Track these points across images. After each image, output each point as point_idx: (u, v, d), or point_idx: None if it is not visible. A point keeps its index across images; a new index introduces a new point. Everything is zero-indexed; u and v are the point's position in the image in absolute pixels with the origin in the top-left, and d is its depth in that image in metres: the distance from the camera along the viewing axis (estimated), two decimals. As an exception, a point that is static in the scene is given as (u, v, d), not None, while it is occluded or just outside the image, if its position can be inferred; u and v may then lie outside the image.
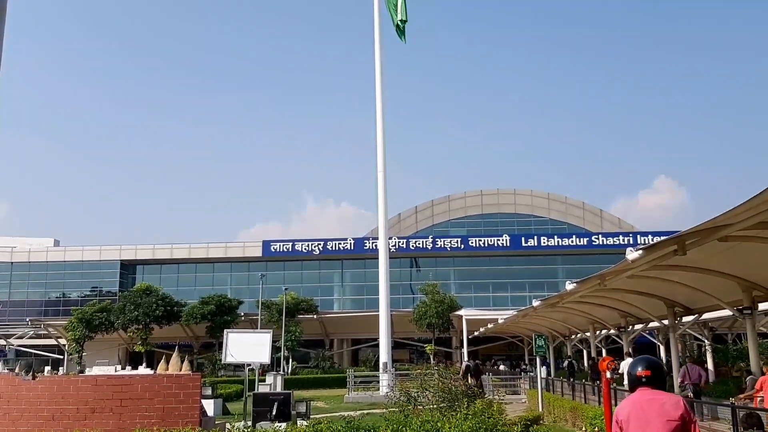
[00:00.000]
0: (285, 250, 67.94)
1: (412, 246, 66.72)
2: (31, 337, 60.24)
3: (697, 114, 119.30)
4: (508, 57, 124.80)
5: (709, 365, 23.64)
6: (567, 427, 18.05)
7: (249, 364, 20.40)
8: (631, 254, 10.92)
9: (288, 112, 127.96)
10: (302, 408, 16.44)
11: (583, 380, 23.91)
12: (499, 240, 66.22)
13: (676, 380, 16.63)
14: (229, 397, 29.36)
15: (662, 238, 10.55)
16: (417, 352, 60.93)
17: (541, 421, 17.09)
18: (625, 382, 5.00)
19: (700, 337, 29.88)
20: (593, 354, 28.48)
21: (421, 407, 14.22)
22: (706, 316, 20.53)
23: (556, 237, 66.40)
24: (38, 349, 61.13)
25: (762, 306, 15.45)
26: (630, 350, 22.60)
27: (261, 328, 43.66)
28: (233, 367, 41.59)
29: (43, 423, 12.17)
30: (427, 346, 53.45)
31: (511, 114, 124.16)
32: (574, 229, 69.64)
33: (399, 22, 13.67)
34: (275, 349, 43.49)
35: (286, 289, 54.05)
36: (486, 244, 66.26)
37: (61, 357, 58.23)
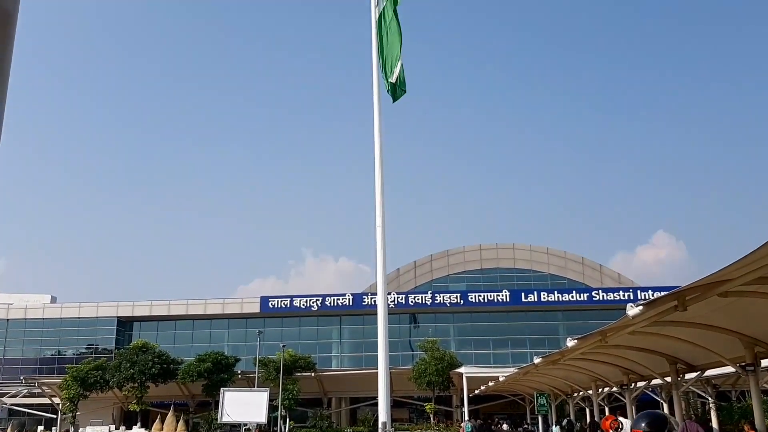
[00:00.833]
0: (283, 306, 67.53)
1: (411, 301, 66.34)
2: (24, 396, 59.27)
3: (696, 169, 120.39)
4: (506, 112, 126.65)
5: (714, 424, 23.22)
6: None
7: (245, 424, 20.03)
8: (632, 310, 10.85)
9: (287, 168, 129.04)
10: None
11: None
12: (498, 295, 65.91)
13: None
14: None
15: (662, 293, 10.50)
16: (416, 411, 59.91)
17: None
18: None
19: (703, 394, 29.47)
20: (596, 413, 28.00)
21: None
22: (709, 372, 20.28)
23: (556, 292, 66.13)
24: (32, 408, 60.07)
25: (765, 362, 15.26)
26: (633, 409, 22.25)
27: (258, 387, 43.00)
28: (230, 426, 40.79)
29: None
30: (427, 405, 52.55)
31: (509, 169, 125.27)
32: (574, 284, 69.45)
33: (390, 83, 13.88)
34: (272, 408, 42.85)
35: (283, 346, 53.48)
36: (486, 300, 65.91)
37: (55, 416, 57.15)
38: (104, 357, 58.91)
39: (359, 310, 65.33)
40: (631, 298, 59.68)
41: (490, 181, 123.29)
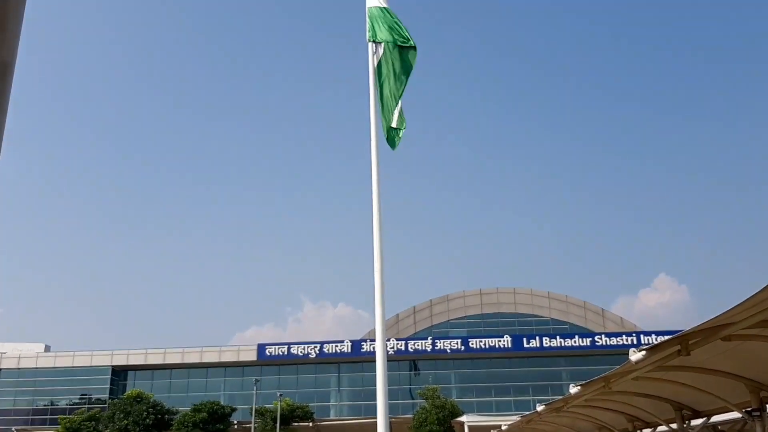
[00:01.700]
0: (280, 353, 66.75)
1: (411, 348, 65.61)
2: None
3: (695, 211, 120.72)
4: (507, 154, 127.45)
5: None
6: None
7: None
8: (634, 355, 10.65)
9: (284, 214, 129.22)
10: None
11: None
12: (500, 341, 65.27)
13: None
14: None
15: (665, 337, 10.34)
16: (418, 461, 58.67)
17: None
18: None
19: (710, 441, 28.86)
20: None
21: None
22: (715, 418, 19.86)
23: (558, 337, 65.54)
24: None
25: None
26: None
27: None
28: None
29: None
30: (428, 454, 51.54)
31: (509, 212, 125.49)
32: (576, 329, 68.88)
33: (390, 128, 13.91)
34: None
35: (280, 395, 52.71)
36: (487, 346, 65.23)
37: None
38: (98, 407, 57.96)
39: (358, 357, 64.56)
40: (635, 342, 59.17)
41: (490, 224, 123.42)
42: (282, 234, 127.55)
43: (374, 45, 14.31)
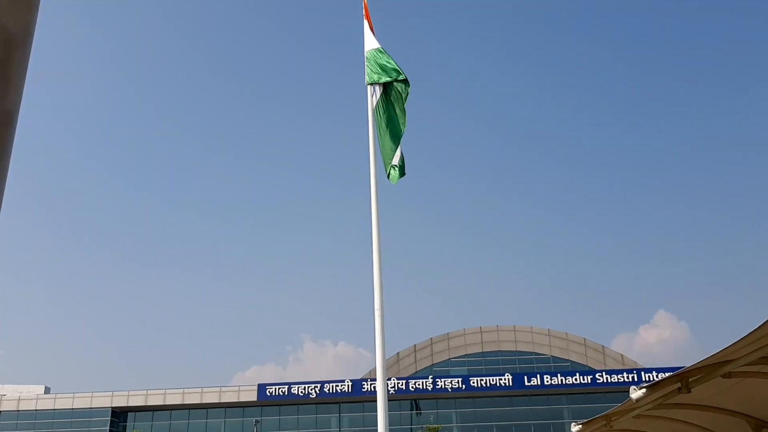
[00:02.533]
0: (281, 393, 66.12)
1: (412, 387, 65.00)
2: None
3: (695, 247, 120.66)
4: (505, 191, 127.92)
5: None
6: None
7: None
8: (635, 393, 10.61)
9: (284, 252, 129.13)
10: None
11: None
12: (501, 379, 64.72)
13: None
14: None
15: (666, 374, 10.30)
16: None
17: None
18: None
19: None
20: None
21: None
22: (719, 457, 19.63)
23: (559, 375, 65.02)
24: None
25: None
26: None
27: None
28: None
29: None
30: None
31: (508, 249, 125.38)
32: (577, 366, 68.39)
33: (392, 166, 14.05)
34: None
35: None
36: (488, 384, 64.67)
37: None
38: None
39: (359, 396, 63.96)
40: (635, 379, 58.71)
41: (489, 262, 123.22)
42: (283, 273, 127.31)
43: (372, 87, 14.59)
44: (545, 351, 70.83)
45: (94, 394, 69.12)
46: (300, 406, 66.51)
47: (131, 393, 68.79)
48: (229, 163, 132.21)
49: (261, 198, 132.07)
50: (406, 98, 14.41)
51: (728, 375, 9.53)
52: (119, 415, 68.95)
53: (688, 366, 9.71)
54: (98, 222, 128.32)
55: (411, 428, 63.39)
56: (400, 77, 14.42)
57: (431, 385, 65.02)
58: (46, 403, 69.17)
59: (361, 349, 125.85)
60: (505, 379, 64.70)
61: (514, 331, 72.33)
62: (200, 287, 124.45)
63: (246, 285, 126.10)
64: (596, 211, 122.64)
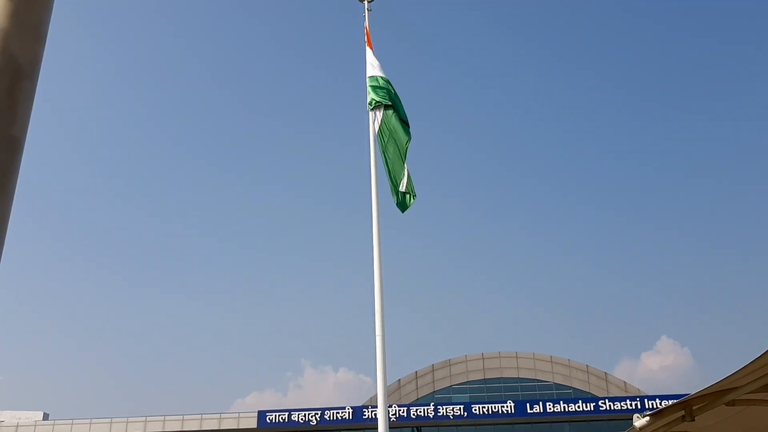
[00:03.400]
0: (281, 420, 65.51)
1: (413, 414, 64.38)
2: None
3: (697, 273, 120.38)
4: (507, 217, 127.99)
5: None
6: None
7: None
8: (638, 421, 10.54)
9: (284, 278, 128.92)
10: None
11: None
12: (503, 406, 64.13)
13: None
14: None
15: (669, 402, 10.23)
16: None
17: None
18: None
19: None
20: None
21: None
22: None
23: (561, 402, 64.40)
24: None
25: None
26: None
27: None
28: None
29: None
30: None
31: (511, 275, 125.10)
32: (580, 393, 67.87)
33: (399, 192, 14.09)
34: None
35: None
36: (490, 411, 64.07)
37: None
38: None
39: (360, 424, 63.33)
40: (639, 407, 58.10)
41: (491, 288, 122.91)
42: (283, 297, 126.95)
43: (374, 113, 14.72)
44: (548, 378, 70.35)
45: (93, 420, 68.56)
46: (300, 433, 65.91)
47: (130, 420, 68.18)
48: (231, 183, 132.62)
49: (262, 221, 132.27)
50: (406, 122, 14.53)
51: (732, 403, 9.48)
52: (118, 442, 68.26)
53: (692, 394, 9.66)
54: (97, 244, 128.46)
55: (412, 456, 62.76)
56: (399, 105, 14.57)
57: (433, 413, 64.43)
58: (45, 430, 68.58)
59: (362, 375, 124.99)
60: (507, 407, 64.11)
61: (517, 357, 71.90)
62: (198, 312, 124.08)
63: (245, 310, 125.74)
64: (599, 236, 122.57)
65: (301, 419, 65.31)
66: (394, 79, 14.88)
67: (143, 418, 68.15)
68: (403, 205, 14.17)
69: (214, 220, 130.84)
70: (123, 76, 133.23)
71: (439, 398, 68.43)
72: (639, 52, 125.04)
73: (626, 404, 61.93)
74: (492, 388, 69.72)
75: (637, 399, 62.90)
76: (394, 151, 14.33)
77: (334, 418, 65.14)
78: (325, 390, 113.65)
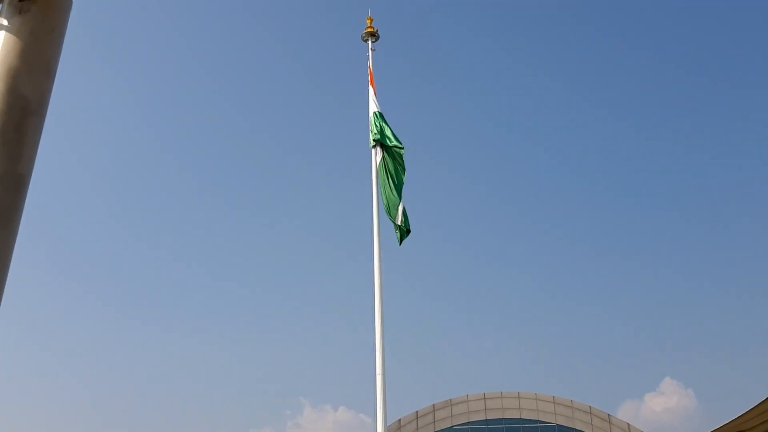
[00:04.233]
0: (279, 461, 64.47)
1: (414, 455, 63.38)
2: None
3: (701, 316, 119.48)
4: (509, 259, 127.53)
5: None
6: None
7: None
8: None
9: (284, 315, 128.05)
10: None
11: None
12: (505, 449, 63.16)
13: None
14: None
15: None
16: None
17: None
18: None
19: None
20: None
21: None
22: None
23: (564, 445, 63.46)
24: None
25: None
26: None
27: None
28: None
29: None
30: None
31: (512, 314, 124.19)
32: (583, 435, 66.74)
33: (397, 225, 14.22)
34: None
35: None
36: (492, 454, 63.07)
37: None
38: None
39: (359, 464, 62.26)
40: (644, 450, 57.10)
41: (493, 327, 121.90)
42: (282, 335, 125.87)
43: (375, 150, 14.86)
44: (550, 419, 69.27)
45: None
46: (298, 474, 64.75)
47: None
48: (227, 215, 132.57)
49: (261, 259, 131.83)
50: (402, 161, 14.69)
51: (739, 446, 9.33)
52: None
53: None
54: (95, 280, 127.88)
55: (412, 499, 61.50)
56: (399, 145, 14.74)
57: (433, 454, 63.41)
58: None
59: (362, 414, 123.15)
60: (509, 449, 63.14)
61: (519, 398, 70.93)
62: (195, 350, 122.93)
63: (243, 348, 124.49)
64: (601, 276, 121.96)
65: (300, 460, 64.26)
66: (396, 114, 15.03)
67: (139, 457, 67.01)
68: (400, 238, 14.27)
69: (215, 258, 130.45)
70: (122, 125, 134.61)
71: (440, 439, 67.34)
72: (648, 91, 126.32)
73: (630, 447, 60.92)
74: (494, 429, 68.60)
75: (642, 441, 61.90)
76: (391, 186, 14.48)
77: (334, 458, 64.12)
78: (324, 429, 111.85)
